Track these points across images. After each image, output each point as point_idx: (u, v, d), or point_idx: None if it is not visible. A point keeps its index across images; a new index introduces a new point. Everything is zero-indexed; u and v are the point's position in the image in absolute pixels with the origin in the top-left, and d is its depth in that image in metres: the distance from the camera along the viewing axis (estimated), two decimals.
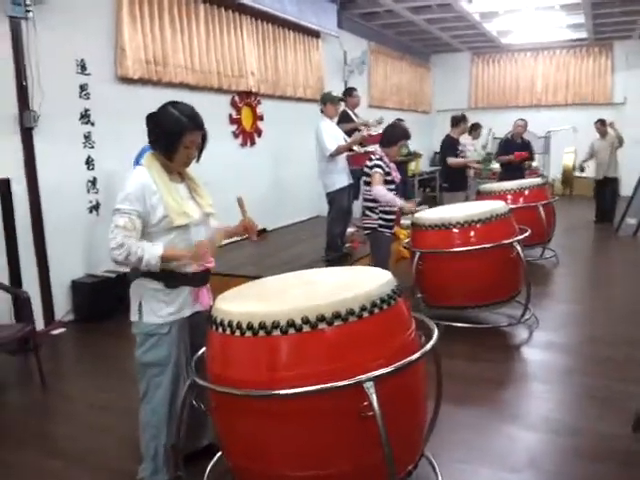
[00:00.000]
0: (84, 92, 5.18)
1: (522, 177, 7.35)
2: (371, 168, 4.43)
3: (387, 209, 4.49)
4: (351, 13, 9.73)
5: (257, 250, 6.75)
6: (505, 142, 7.97)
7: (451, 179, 6.87)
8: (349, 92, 7.09)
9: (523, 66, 13.30)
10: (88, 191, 5.27)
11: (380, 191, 4.33)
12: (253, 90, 7.31)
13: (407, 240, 4.73)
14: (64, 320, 5.00)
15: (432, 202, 9.49)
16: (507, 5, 9.17)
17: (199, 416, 2.52)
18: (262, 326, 2.00)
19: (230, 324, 2.08)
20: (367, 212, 4.60)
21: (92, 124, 5.24)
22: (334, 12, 8.89)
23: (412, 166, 9.96)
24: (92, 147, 5.26)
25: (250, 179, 7.40)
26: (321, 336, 1.99)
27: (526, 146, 7.78)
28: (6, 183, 4.56)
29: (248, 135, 7.41)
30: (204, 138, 2.46)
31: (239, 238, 2.92)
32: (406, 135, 4.56)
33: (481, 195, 6.60)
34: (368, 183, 4.50)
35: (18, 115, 4.64)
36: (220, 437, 2.28)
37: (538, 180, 6.84)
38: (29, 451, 3.01)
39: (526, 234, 4.50)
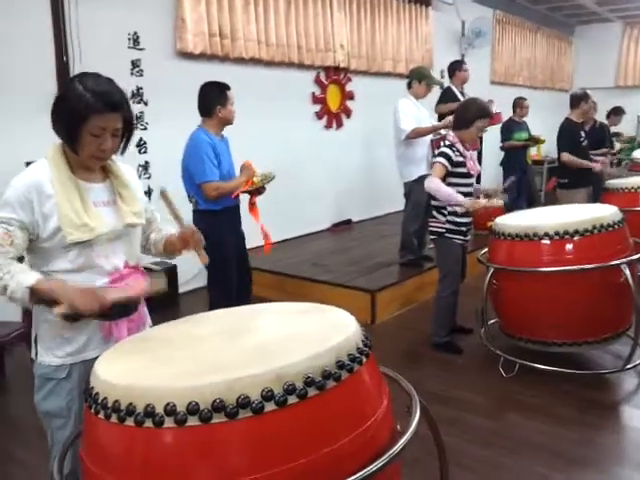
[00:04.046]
0: (136, 68, 4.78)
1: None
2: (435, 157, 3.54)
3: (459, 209, 3.58)
4: None
5: (327, 245, 6.05)
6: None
7: (570, 173, 5.64)
8: (457, 66, 6.03)
9: None
10: (140, 176, 4.86)
11: (431, 183, 3.44)
12: (342, 65, 6.55)
13: (484, 251, 3.76)
14: None
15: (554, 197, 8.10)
16: None
17: None
18: (115, 408, 1.31)
19: (92, 395, 1.42)
20: (434, 213, 3.73)
21: (145, 103, 4.83)
22: None
23: (533, 151, 8.60)
24: (145, 128, 4.86)
25: (334, 165, 6.72)
26: (196, 436, 1.25)
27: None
28: None
29: (334, 116, 6.68)
30: (128, 123, 1.80)
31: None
32: (485, 112, 3.56)
33: (608, 192, 5.35)
34: None
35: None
36: None
37: None
38: None
39: None
